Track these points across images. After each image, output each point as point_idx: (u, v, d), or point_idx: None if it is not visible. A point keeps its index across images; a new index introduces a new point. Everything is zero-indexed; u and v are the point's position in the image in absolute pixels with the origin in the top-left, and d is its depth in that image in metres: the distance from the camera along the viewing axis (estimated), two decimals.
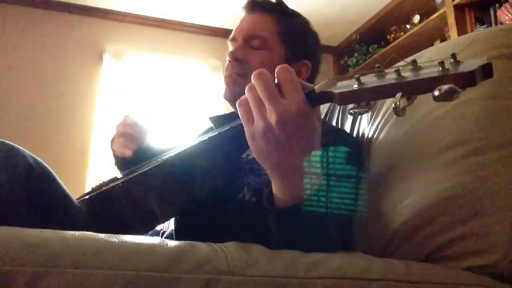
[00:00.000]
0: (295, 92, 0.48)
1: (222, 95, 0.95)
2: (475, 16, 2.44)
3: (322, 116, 1.09)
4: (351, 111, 0.45)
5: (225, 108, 2.54)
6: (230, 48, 0.97)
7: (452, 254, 0.59)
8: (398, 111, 0.39)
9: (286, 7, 1.00)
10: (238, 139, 0.57)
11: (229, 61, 0.93)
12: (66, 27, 3.01)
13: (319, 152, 0.53)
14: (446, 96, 0.37)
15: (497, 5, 2.36)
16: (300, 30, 0.98)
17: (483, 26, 2.37)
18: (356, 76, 0.44)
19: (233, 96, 0.90)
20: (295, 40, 0.95)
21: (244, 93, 0.51)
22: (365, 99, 0.44)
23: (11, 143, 0.67)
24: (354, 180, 0.69)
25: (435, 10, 2.71)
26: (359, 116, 0.94)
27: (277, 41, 0.92)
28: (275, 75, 0.50)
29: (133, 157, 0.89)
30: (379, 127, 0.81)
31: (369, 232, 0.69)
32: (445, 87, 0.37)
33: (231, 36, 0.97)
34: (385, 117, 0.80)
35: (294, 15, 1.00)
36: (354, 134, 0.93)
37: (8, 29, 2.88)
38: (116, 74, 2.98)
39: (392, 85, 0.41)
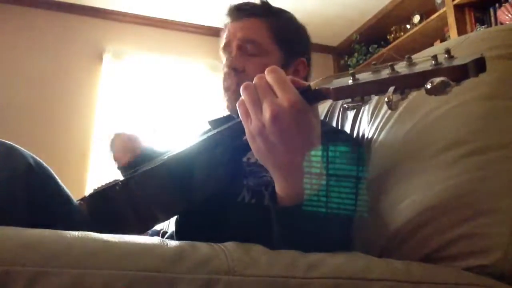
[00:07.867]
0: (285, 89, 0.49)
1: (221, 98, 0.93)
2: (475, 16, 2.44)
3: (322, 117, 1.08)
4: (345, 105, 0.46)
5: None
6: (224, 58, 0.94)
7: (452, 254, 0.59)
8: (390, 105, 0.40)
9: (271, 6, 0.95)
10: (238, 141, 0.57)
11: (226, 71, 0.90)
12: (66, 27, 3.01)
13: (319, 152, 0.53)
14: (439, 89, 0.37)
15: (497, 5, 2.36)
16: (291, 29, 0.95)
17: (483, 26, 2.37)
18: (352, 72, 0.45)
19: (235, 108, 0.87)
20: (288, 40, 0.92)
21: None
22: (359, 94, 0.44)
23: (11, 143, 0.67)
24: (355, 181, 0.69)
25: (435, 10, 2.72)
26: (359, 117, 0.94)
27: (271, 46, 0.90)
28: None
29: (132, 163, 0.88)
30: (379, 128, 0.80)
31: (369, 232, 0.69)
32: (437, 79, 0.37)
33: (222, 44, 0.94)
34: (385, 118, 0.80)
35: (280, 13, 0.96)
36: (354, 135, 0.93)
37: (8, 29, 2.88)
38: (116, 74, 2.98)
39: (385, 79, 0.41)
